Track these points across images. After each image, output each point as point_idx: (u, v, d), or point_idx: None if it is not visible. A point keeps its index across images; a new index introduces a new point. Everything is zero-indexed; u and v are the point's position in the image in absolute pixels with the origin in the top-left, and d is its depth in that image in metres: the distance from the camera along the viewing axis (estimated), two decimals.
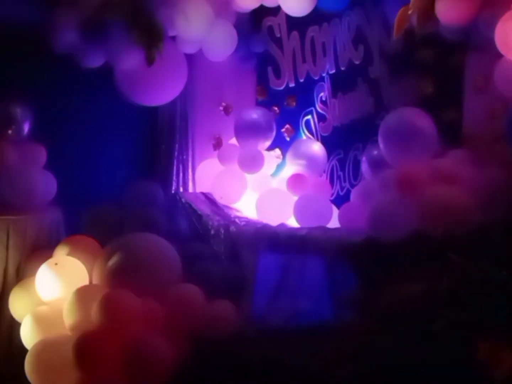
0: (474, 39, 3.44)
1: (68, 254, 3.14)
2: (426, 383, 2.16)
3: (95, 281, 3.06)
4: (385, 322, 2.37)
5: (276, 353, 2.88)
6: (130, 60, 3.72)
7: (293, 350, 2.84)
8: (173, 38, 3.93)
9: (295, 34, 4.26)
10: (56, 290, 3.00)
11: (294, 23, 4.18)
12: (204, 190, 4.25)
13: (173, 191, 4.16)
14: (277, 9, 4.07)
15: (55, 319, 2.90)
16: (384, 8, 3.77)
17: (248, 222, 3.88)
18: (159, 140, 4.28)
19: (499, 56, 3.05)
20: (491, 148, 3.29)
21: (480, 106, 3.49)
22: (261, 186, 4.22)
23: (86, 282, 3.06)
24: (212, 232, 3.77)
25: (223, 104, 4.45)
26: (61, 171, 3.61)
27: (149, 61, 3.62)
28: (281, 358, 2.82)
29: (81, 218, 3.58)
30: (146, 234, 3.15)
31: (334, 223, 3.91)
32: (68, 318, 2.84)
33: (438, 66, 3.61)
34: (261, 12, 4.15)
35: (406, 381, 2.16)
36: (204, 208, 3.96)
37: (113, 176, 3.94)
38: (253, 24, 4.29)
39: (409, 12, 3.10)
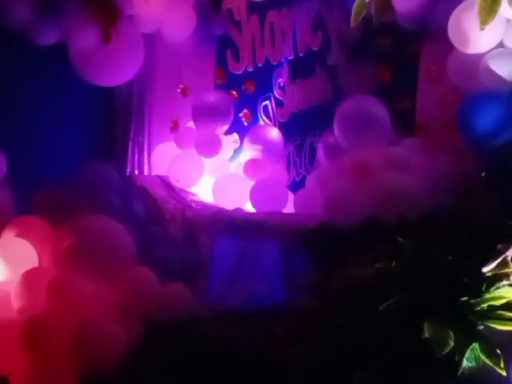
0: (430, 29, 3.52)
1: (17, 236, 3.05)
2: (376, 362, 2.22)
3: (45, 264, 2.99)
4: (337, 304, 2.42)
5: (230, 335, 2.90)
6: (85, 38, 3.61)
7: (247, 332, 2.87)
8: (131, 17, 3.84)
9: (254, 18, 4.24)
10: (3, 272, 2.91)
11: (254, 6, 4.15)
12: (160, 173, 4.19)
13: (128, 174, 4.08)
14: None
15: (2, 301, 2.82)
16: None
17: (204, 206, 3.86)
18: (115, 121, 4.18)
19: (453, 47, 3.13)
20: (443, 137, 3.39)
21: (434, 96, 3.58)
22: (218, 171, 4.21)
23: (35, 264, 2.99)
24: (168, 216, 3.73)
25: (181, 86, 4.40)
26: (12, 151, 3.49)
27: (105, 39, 3.53)
28: (235, 339, 2.85)
29: (32, 199, 3.48)
30: (99, 216, 3.09)
31: (289, 208, 3.95)
32: (16, 301, 2.77)
33: (394, 55, 3.68)
34: None
35: (357, 360, 2.22)
36: (159, 192, 3.91)
37: (67, 156, 3.82)
38: (213, 5, 4.23)
39: (367, 0, 3.12)
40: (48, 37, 3.58)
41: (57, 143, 3.85)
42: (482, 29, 2.81)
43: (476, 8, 2.80)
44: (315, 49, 4.08)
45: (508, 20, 2.93)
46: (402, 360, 2.18)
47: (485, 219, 2.53)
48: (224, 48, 4.38)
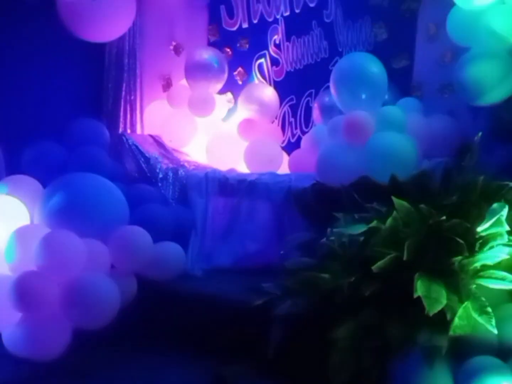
0: None
1: (8, 194, 3.01)
2: (362, 317, 2.25)
3: (36, 221, 2.96)
4: (327, 260, 2.42)
5: (221, 291, 2.92)
6: None
7: (238, 288, 2.89)
8: None
9: None
10: None
11: None
12: (153, 133, 4.14)
13: (120, 132, 4.02)
14: None
15: None
16: None
17: (198, 166, 3.83)
18: (106, 78, 4.09)
19: (452, 3, 3.05)
20: (439, 97, 3.34)
21: (431, 54, 3.51)
22: (211, 130, 4.15)
23: (27, 222, 2.96)
24: (161, 175, 3.70)
25: (173, 43, 4.30)
26: (0, 108, 3.43)
27: None
28: (226, 295, 2.87)
29: (22, 156, 3.43)
30: (90, 174, 3.05)
31: (284, 169, 3.92)
32: (8, 258, 2.76)
33: (392, 11, 3.59)
34: None
35: (344, 315, 2.24)
36: (152, 151, 3.87)
37: (57, 113, 3.75)
38: None
39: None
40: None
41: (47, 100, 3.77)
42: None
43: None
44: (311, 5, 3.97)
45: None
46: (389, 316, 2.20)
47: (479, 180, 2.51)
48: (218, 4, 4.27)
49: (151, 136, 4.09)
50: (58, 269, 2.66)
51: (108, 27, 3.77)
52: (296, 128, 4.25)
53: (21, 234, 2.78)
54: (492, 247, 2.32)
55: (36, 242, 2.68)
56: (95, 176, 3.03)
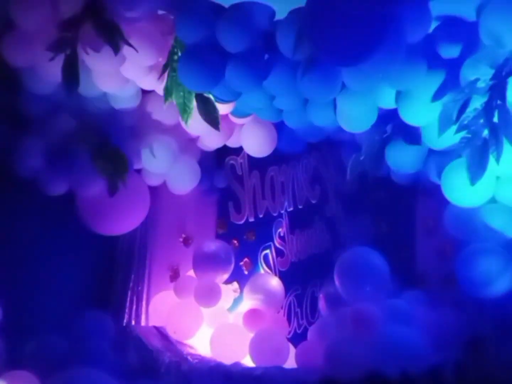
0: (424, 183, 3.67)
1: None
2: None
3: None
4: None
5: None
6: (92, 189, 3.77)
7: None
8: (139, 170, 4.05)
9: (255, 172, 4.45)
10: None
11: (255, 162, 4.38)
12: (158, 324, 4.10)
13: (124, 324, 3.99)
14: (240, 149, 4.29)
15: None
16: (339, 152, 4.04)
17: (201, 360, 3.72)
18: (116, 269, 4.20)
19: (447, 200, 3.23)
20: (443, 289, 3.36)
21: (431, 247, 3.62)
22: (217, 321, 4.11)
23: None
24: (163, 369, 3.57)
25: (183, 235, 4.48)
26: (7, 297, 3.43)
27: (112, 191, 3.67)
28: None
29: (22, 348, 3.36)
30: (90, 371, 2.96)
31: (291, 362, 3.78)
32: None
33: (390, 207, 3.80)
34: (225, 151, 4.36)
35: None
36: (155, 343, 3.80)
37: (63, 304, 3.76)
38: (217, 161, 4.47)
39: (362, 157, 3.31)
40: (57, 188, 3.73)
41: (54, 289, 3.80)
42: (472, 184, 2.92)
43: (466, 166, 2.94)
44: (313, 201, 4.23)
45: (497, 177, 3.06)
46: None
47: (492, 375, 2.40)
48: (226, 199, 4.53)
49: (155, 327, 4.04)
50: None
51: (123, 222, 3.98)
52: (302, 319, 4.21)
53: None
54: None
55: None
56: (95, 373, 2.94)
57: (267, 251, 4.38)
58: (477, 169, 2.89)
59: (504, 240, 3.02)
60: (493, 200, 3.08)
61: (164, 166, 4.03)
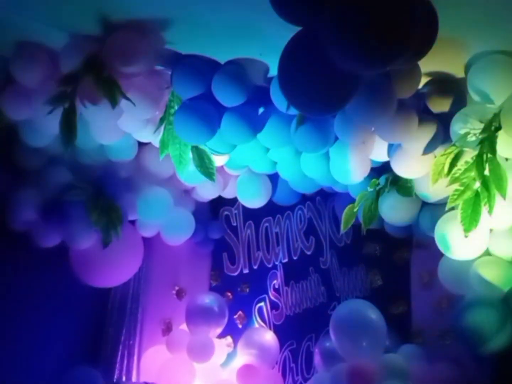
0: (417, 237, 3.66)
1: None
2: None
3: None
4: None
5: None
6: (86, 241, 3.74)
7: None
8: (133, 222, 4.03)
9: (250, 223, 4.46)
10: None
11: (249, 213, 4.39)
12: (149, 379, 3.99)
13: (115, 380, 3.88)
14: (234, 200, 4.30)
15: None
16: (333, 203, 4.05)
17: None
18: (108, 323, 4.11)
19: (441, 253, 3.22)
20: (440, 343, 3.30)
21: (427, 301, 3.58)
22: (210, 377, 4.01)
23: None
24: None
25: (176, 288, 4.42)
26: None
27: (105, 243, 3.64)
28: None
29: None
30: None
31: None
32: None
33: (384, 259, 3.78)
34: (219, 202, 4.37)
35: None
36: None
37: (52, 359, 3.66)
38: (211, 212, 4.48)
39: (355, 209, 3.31)
40: (50, 240, 3.69)
41: (43, 343, 3.71)
42: (466, 236, 2.91)
43: (459, 218, 2.95)
44: (308, 253, 4.21)
45: (491, 230, 3.06)
46: None
47: None
48: (221, 250, 4.51)
49: (146, 383, 3.93)
50: None
51: (116, 274, 3.93)
52: (297, 375, 4.11)
53: None
54: None
55: None
56: None
57: (262, 303, 4.32)
58: (470, 221, 2.89)
59: (499, 293, 2.98)
60: (487, 253, 3.06)
61: (158, 218, 4.00)
